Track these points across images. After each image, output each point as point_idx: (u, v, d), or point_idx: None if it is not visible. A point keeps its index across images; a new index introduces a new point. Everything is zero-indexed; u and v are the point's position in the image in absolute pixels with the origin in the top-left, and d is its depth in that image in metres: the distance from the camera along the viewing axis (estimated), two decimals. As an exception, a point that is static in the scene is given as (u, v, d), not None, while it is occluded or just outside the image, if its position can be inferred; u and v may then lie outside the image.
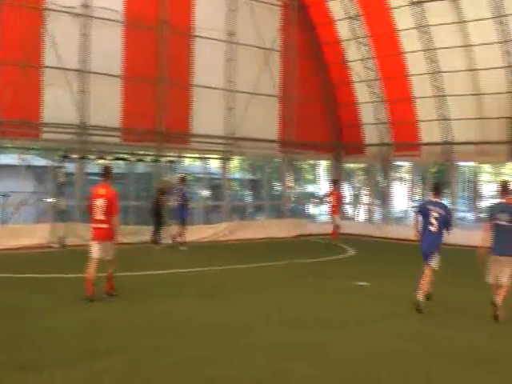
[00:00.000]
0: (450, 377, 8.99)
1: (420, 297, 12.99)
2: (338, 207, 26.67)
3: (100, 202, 13.44)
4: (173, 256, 22.33)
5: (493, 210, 12.77)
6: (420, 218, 13.41)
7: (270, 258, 21.41)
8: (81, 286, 13.53)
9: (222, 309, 13.13)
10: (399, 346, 10.50)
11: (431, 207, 13.30)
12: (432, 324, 12.27)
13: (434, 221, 13.12)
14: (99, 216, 13.45)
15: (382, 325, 12.09)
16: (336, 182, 28.29)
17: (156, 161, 26.79)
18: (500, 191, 12.89)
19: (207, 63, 28.03)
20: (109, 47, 25.11)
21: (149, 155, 26.86)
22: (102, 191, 13.56)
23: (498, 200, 12.96)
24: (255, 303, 13.84)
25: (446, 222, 13.16)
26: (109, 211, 13.39)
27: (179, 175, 25.63)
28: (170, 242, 23.88)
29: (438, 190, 14.17)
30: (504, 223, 12.29)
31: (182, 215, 23.89)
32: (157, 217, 24.10)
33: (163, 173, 27.05)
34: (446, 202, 26.88)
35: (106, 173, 14.04)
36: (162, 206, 24.09)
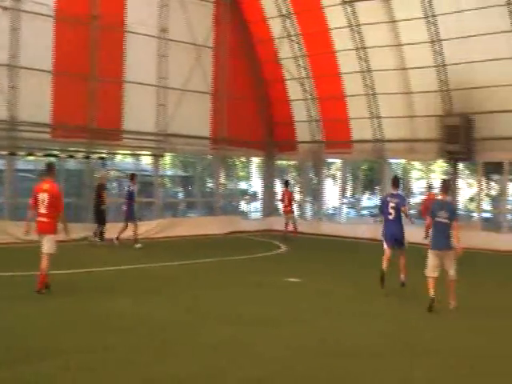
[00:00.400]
0: (384, 372, 9.06)
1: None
2: (290, 206, 27.72)
3: (43, 197, 13.80)
4: (106, 253, 22.01)
5: (433, 208, 13.33)
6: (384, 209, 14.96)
7: (202, 255, 21.34)
8: (11, 284, 13.28)
9: (157, 306, 13.04)
10: (332, 342, 10.55)
11: (389, 199, 15.06)
12: (359, 318, 12.48)
13: (391, 210, 14.79)
14: (42, 210, 13.79)
15: (314, 321, 12.17)
16: (287, 183, 28.93)
17: (87, 157, 26.37)
18: (443, 190, 13.62)
19: (139, 59, 27.75)
20: (39, 42, 24.56)
21: (80, 152, 26.41)
22: (46, 186, 13.93)
23: (440, 197, 13.67)
24: (189, 300, 13.79)
25: (399, 209, 14.73)
26: (52, 206, 13.74)
27: (129, 173, 25.51)
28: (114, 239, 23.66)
29: (395, 183, 15.59)
30: (441, 220, 12.92)
31: (131, 213, 23.90)
32: (98, 213, 23.86)
33: (94, 169, 26.63)
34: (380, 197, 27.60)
35: (50, 169, 14.57)
36: (102, 202, 23.81)
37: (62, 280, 15.34)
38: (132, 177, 24.57)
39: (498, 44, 24.78)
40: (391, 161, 31.11)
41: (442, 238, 12.94)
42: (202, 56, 29.95)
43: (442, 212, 12.98)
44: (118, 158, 29.59)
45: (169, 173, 31.79)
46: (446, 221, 12.91)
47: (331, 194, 34.54)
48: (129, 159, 29.82)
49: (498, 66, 25.02)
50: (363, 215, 32.09)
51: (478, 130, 26.15)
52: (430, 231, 13.22)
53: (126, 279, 16.52)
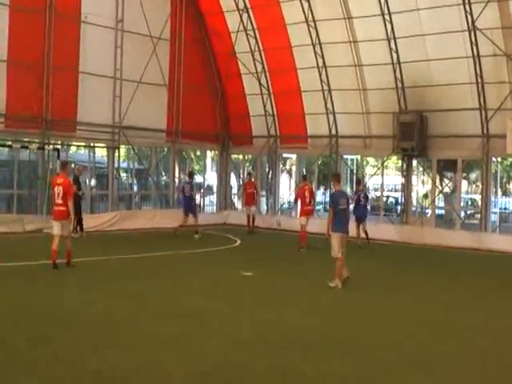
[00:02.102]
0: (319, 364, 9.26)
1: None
2: (255, 198, 28.05)
3: (58, 189, 16.56)
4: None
5: (335, 198, 15.56)
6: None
7: (156, 249, 21.30)
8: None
9: (103, 298, 13.05)
10: (276, 336, 10.71)
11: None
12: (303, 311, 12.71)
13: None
14: (59, 200, 16.57)
15: (259, 314, 12.32)
16: (251, 175, 29.22)
17: (41, 148, 26.05)
18: (336, 181, 16.14)
19: (95, 50, 27.51)
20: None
21: (34, 142, 26.10)
22: (59, 180, 16.77)
23: (337, 189, 15.89)
24: (136, 293, 13.85)
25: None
26: (65, 196, 16.48)
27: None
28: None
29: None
30: (343, 207, 15.24)
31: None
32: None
33: (48, 160, 26.34)
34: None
35: (63, 165, 18.32)
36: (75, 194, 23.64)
37: (12, 271, 15.62)
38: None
39: (452, 43, 25.25)
40: (346, 156, 31.43)
41: (345, 222, 15.39)
42: (158, 48, 29.71)
43: (343, 200, 15.33)
44: (73, 149, 29.22)
45: (124, 165, 31.55)
46: (346, 207, 15.38)
47: (286, 188, 34.82)
48: (83, 151, 29.50)
49: (452, 64, 25.52)
50: (317, 210, 32.30)
51: (432, 127, 26.64)
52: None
53: (76, 271, 16.38)
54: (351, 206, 21.89)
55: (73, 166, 26.19)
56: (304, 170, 33.50)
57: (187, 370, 8.67)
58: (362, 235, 24.05)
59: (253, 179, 29.69)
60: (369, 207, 27.48)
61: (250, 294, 14.46)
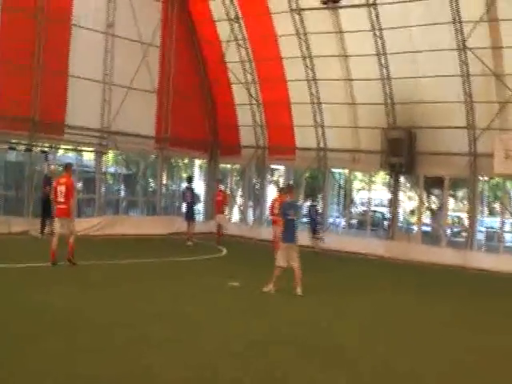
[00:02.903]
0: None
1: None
2: (222, 206, 27.66)
3: (61, 189, 17.52)
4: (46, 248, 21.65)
5: (285, 207, 15.82)
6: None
7: (141, 255, 21.21)
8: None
9: (95, 303, 13.01)
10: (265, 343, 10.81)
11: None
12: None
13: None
14: (60, 199, 17.50)
15: (236, 322, 12.41)
16: (220, 182, 29.18)
17: (29, 150, 25.94)
18: (289, 193, 16.65)
19: (85, 53, 27.42)
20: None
21: (21, 144, 25.98)
22: (62, 180, 17.82)
23: (289, 199, 16.30)
24: (125, 298, 13.85)
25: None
26: (67, 195, 17.43)
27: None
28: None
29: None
30: (291, 217, 15.46)
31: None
32: (43, 207, 23.81)
33: (36, 162, 26.25)
34: (318, 206, 28.15)
35: (67, 167, 18.83)
36: (47, 195, 23.60)
37: None
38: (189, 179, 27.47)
39: (442, 61, 25.42)
40: (334, 170, 31.49)
41: (292, 233, 15.50)
42: (149, 54, 29.73)
43: (291, 211, 15.57)
44: (61, 152, 29.08)
45: (111, 170, 31.47)
46: (295, 218, 15.59)
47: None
48: (71, 154, 29.38)
49: (442, 82, 25.68)
50: (304, 223, 32.30)
51: (420, 144, 26.74)
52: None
53: (63, 275, 16.37)
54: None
55: (52, 167, 26.01)
56: (282, 182, 33.51)
57: (176, 374, 8.71)
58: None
59: (221, 187, 29.73)
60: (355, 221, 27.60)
61: (237, 302, 14.56)
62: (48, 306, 12.28)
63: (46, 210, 23.82)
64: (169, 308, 13.20)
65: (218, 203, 27.97)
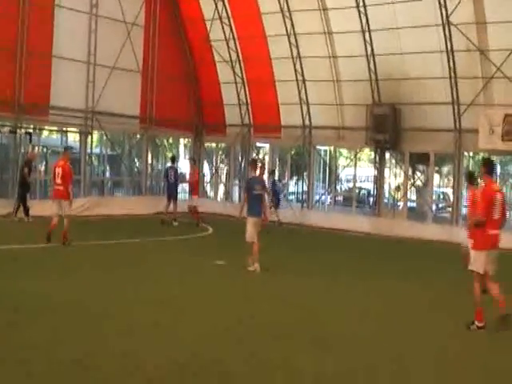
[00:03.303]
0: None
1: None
2: (196, 187, 27.04)
3: (58, 170, 18.20)
4: (29, 230, 21.64)
5: (251, 183, 16.20)
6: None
7: (128, 235, 21.20)
8: None
9: (78, 287, 12.92)
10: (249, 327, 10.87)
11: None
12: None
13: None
14: (58, 180, 18.20)
15: (225, 304, 12.40)
16: (194, 161, 28.50)
17: (13, 132, 25.82)
18: (253, 168, 16.91)
19: (69, 34, 27.27)
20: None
21: (6, 126, 25.86)
22: (60, 163, 18.52)
23: (252, 175, 16.71)
24: (111, 281, 13.81)
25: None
26: (64, 177, 18.07)
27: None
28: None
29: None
30: (258, 192, 15.81)
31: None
32: (21, 189, 23.72)
33: (20, 144, 26.14)
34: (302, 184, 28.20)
35: (65, 150, 19.87)
36: (25, 178, 23.54)
37: None
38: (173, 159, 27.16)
39: (426, 37, 25.42)
40: (319, 147, 31.54)
41: (257, 207, 15.73)
42: (132, 34, 29.55)
43: (258, 186, 15.90)
44: (45, 133, 28.97)
45: (96, 150, 31.38)
46: (261, 192, 15.91)
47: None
48: (56, 135, 29.27)
49: (426, 58, 25.73)
50: (290, 200, 32.41)
51: (405, 120, 26.81)
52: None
53: (44, 258, 16.37)
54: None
55: (30, 150, 25.93)
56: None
57: (161, 360, 8.65)
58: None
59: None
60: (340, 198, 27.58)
61: (223, 283, 14.54)
62: (30, 291, 12.16)
63: (22, 193, 23.88)
64: (158, 290, 13.18)
65: (195, 184, 27.17)
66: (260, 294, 13.70)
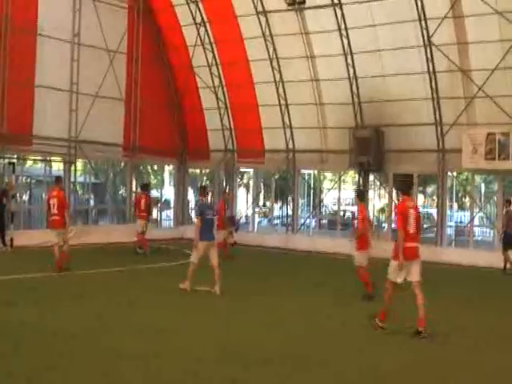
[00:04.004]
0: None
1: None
2: (146, 212, 25.22)
3: (53, 201, 18.48)
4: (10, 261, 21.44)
5: (202, 208, 16.64)
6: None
7: (112, 264, 20.84)
8: None
9: (60, 316, 12.77)
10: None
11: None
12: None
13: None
14: (54, 211, 18.47)
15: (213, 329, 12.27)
16: (146, 187, 26.92)
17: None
18: (201, 193, 17.68)
19: (51, 63, 27.25)
20: None
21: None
22: (54, 193, 18.81)
23: (203, 199, 17.46)
24: (91, 310, 13.55)
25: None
26: (60, 207, 18.43)
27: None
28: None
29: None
30: (210, 217, 16.18)
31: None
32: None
33: (3, 174, 25.99)
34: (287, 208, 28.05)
35: (57, 180, 20.17)
36: (3, 208, 23.40)
37: None
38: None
39: (408, 58, 25.69)
40: (303, 171, 31.58)
41: (210, 231, 16.11)
42: (115, 62, 29.57)
43: (210, 211, 16.37)
44: (29, 163, 28.85)
45: (80, 179, 31.22)
46: (213, 217, 16.35)
47: (243, 202, 34.73)
48: (40, 165, 29.12)
49: (408, 80, 25.97)
50: (275, 224, 32.32)
51: (388, 142, 26.91)
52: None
53: (37, 286, 16.23)
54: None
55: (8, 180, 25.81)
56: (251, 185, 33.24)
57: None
58: None
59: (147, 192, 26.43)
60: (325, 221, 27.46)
61: (205, 309, 14.38)
62: (13, 320, 12.01)
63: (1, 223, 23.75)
64: (143, 317, 13.00)
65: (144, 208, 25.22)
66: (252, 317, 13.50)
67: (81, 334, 11.22)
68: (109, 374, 8.96)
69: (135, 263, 21.58)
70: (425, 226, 32.80)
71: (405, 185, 13.04)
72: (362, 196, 16.60)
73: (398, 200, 14.18)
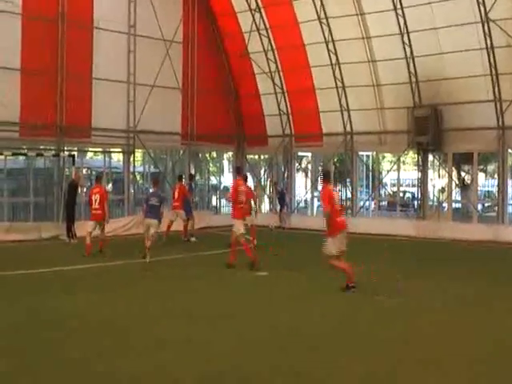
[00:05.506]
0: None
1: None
2: (181, 202, 24.80)
3: (96, 197, 20.32)
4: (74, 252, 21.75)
5: (148, 195, 20.01)
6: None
7: (172, 252, 20.92)
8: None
9: (114, 305, 12.95)
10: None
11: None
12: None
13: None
14: (96, 206, 20.32)
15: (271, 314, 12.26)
16: (180, 178, 26.19)
17: (56, 155, 26.14)
18: (154, 184, 21.00)
19: (108, 55, 27.62)
20: (6, 40, 24.22)
21: (49, 150, 26.23)
22: (96, 190, 20.79)
23: (151, 189, 21.05)
24: (145, 297, 13.77)
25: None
26: (101, 202, 20.32)
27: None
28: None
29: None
30: (152, 203, 18.90)
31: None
32: (68, 211, 23.91)
33: (64, 167, 26.45)
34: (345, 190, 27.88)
35: (98, 177, 22.61)
36: (73, 200, 23.77)
37: (25, 279, 15.75)
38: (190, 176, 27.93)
39: (465, 35, 25.14)
40: (361, 153, 31.34)
41: (151, 213, 18.82)
42: (171, 51, 29.70)
43: (153, 198, 19.05)
44: (89, 155, 29.29)
45: (140, 169, 31.56)
46: (156, 203, 18.85)
47: (302, 187, 34.61)
48: (99, 156, 29.54)
49: (465, 57, 25.42)
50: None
51: (446, 121, 26.49)
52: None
53: (88, 277, 16.49)
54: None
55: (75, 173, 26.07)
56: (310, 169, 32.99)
57: (193, 375, 8.51)
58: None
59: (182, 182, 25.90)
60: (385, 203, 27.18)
61: (261, 293, 14.45)
62: (69, 309, 12.27)
63: (69, 216, 23.99)
64: (187, 305, 13.04)
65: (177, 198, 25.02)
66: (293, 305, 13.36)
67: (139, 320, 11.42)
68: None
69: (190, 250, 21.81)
70: (486, 204, 32.34)
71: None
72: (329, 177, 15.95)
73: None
